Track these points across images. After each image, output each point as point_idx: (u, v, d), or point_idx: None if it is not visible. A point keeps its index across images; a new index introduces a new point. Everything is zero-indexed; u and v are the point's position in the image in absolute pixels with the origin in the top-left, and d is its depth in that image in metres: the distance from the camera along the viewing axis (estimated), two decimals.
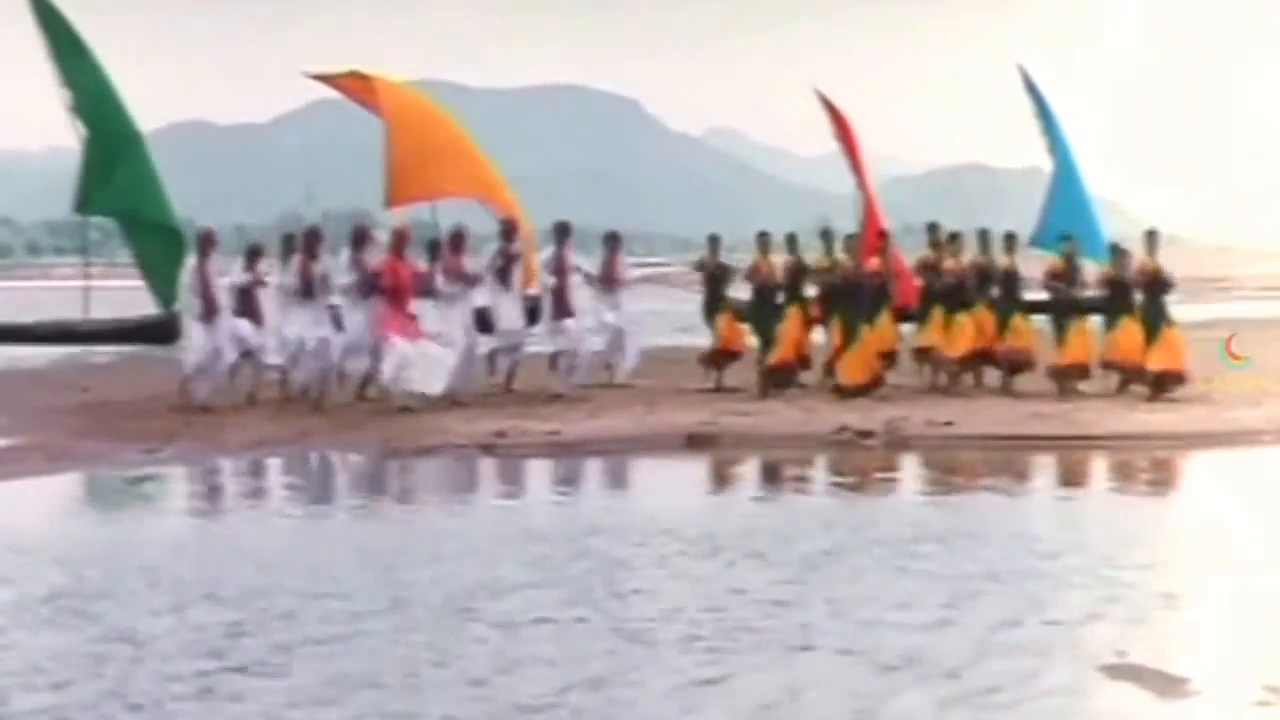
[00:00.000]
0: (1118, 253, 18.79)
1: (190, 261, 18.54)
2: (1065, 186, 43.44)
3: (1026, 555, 9.96)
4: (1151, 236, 18.55)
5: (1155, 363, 17.72)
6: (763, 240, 19.35)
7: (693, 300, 20.30)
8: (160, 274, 36.97)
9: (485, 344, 18.37)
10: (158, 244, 37.94)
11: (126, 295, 32.76)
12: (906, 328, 19.40)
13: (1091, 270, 19.35)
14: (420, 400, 17.14)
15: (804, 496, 13.01)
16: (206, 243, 18.43)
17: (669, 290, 62.70)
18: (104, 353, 33.40)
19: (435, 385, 17.19)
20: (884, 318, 18.74)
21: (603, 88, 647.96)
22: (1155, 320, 17.88)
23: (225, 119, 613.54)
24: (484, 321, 18.36)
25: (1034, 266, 20.41)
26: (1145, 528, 11.34)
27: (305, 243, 18.52)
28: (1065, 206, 40.89)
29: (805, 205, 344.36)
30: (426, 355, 17.20)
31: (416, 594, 8.97)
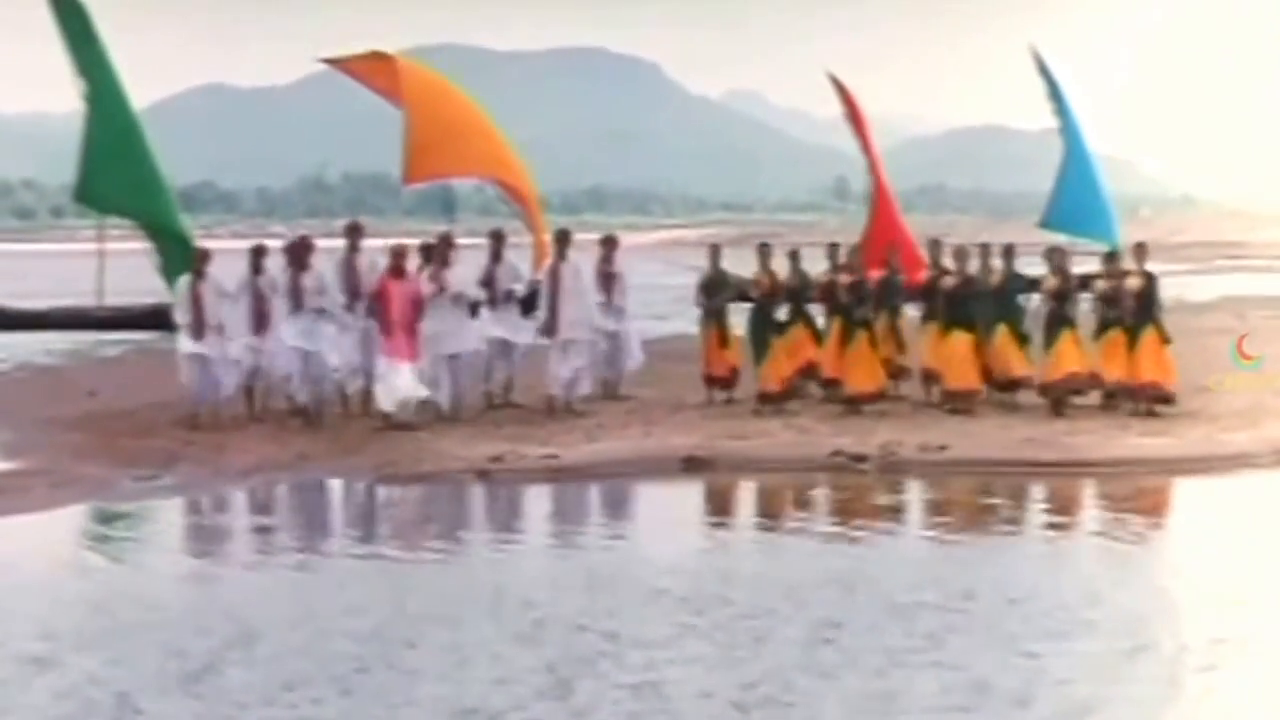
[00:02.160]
0: (1111, 259, 18.67)
1: (185, 279, 18.36)
2: (1076, 169, 43.20)
3: (1027, 636, 9.64)
4: (1140, 248, 18.39)
5: (1144, 376, 17.71)
6: (764, 251, 19.24)
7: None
8: (172, 263, 37.07)
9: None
10: (164, 239, 38.03)
11: (146, 262, 33.07)
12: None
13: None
14: (419, 417, 17.23)
15: (801, 546, 12.66)
16: (202, 261, 18.32)
17: (686, 255, 62.67)
18: (116, 341, 33.57)
19: (388, 402, 17.25)
20: (886, 324, 18.80)
21: (624, 51, 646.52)
22: (1141, 331, 17.79)
23: (246, 81, 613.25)
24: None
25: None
26: (1138, 589, 11.06)
27: (294, 253, 18.37)
28: (1076, 189, 40.78)
29: (823, 165, 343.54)
30: (404, 375, 17.25)
31: (393, 686, 8.83)
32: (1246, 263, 74.42)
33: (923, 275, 19.40)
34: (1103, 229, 42.06)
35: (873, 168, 32.07)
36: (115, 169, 37.70)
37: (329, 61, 39.69)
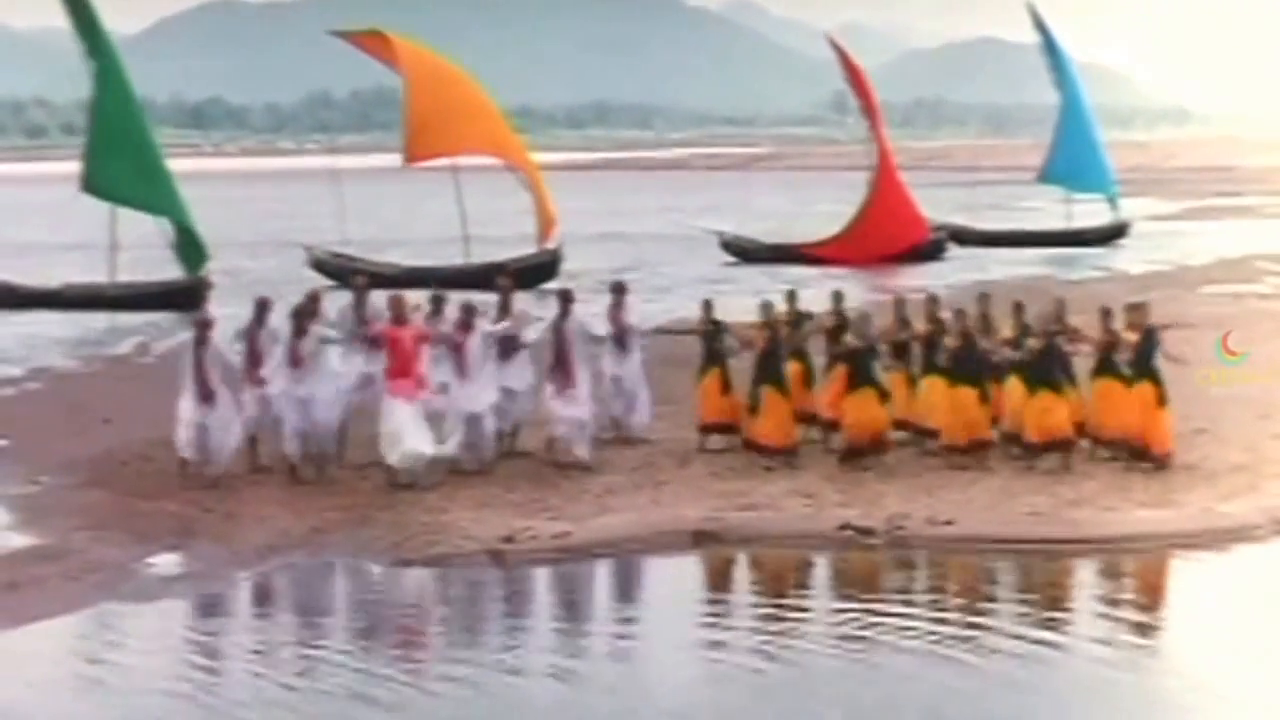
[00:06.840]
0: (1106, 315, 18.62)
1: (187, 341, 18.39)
2: (1073, 124, 43.33)
3: None
4: (1139, 309, 18.27)
5: (1136, 435, 17.88)
6: (766, 309, 19.17)
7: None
8: (185, 241, 37.40)
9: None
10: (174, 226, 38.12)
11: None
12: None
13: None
14: (422, 475, 17.46)
15: (812, 676, 12.49)
16: (204, 328, 18.27)
17: (690, 183, 62.12)
18: (128, 329, 33.87)
19: (393, 455, 17.42)
20: (895, 378, 18.87)
21: None
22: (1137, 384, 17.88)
23: None
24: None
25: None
26: None
27: (301, 313, 18.53)
28: (1073, 144, 41.16)
29: (822, 78, 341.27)
30: (404, 417, 17.38)
31: None
32: (1240, 201, 74.58)
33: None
34: (1099, 183, 42.53)
35: (876, 135, 31.95)
36: (119, 158, 38.01)
37: (337, 34, 39.83)
